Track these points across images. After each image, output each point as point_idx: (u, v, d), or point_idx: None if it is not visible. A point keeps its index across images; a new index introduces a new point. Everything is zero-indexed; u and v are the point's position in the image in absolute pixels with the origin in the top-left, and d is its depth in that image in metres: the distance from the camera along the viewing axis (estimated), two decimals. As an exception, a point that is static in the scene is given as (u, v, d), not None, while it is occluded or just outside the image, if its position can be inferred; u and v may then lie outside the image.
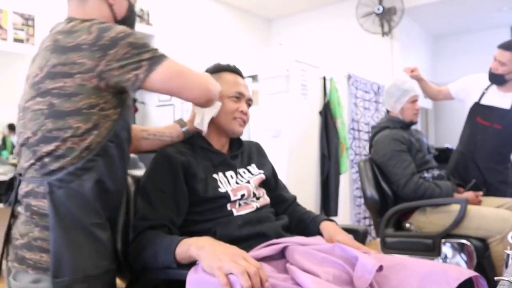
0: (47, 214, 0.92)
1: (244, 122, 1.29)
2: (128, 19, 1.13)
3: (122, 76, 0.93)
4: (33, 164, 0.96)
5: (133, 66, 0.93)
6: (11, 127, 3.24)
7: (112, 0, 1.07)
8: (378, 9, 4.30)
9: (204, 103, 1.05)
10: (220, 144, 1.28)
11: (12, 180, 1.03)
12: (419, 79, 2.56)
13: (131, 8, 1.13)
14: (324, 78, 3.35)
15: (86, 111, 0.93)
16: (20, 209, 0.98)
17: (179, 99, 1.22)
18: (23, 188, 0.97)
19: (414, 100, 2.27)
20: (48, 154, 0.94)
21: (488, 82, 2.43)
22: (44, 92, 0.94)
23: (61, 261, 0.90)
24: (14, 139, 3.25)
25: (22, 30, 3.22)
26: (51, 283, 0.90)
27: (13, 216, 0.99)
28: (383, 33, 4.40)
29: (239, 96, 1.26)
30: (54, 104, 0.93)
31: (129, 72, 0.93)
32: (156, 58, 0.96)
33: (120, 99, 1.00)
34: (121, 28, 0.95)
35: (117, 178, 1.02)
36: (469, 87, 2.53)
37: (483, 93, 2.44)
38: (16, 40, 3.19)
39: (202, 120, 1.22)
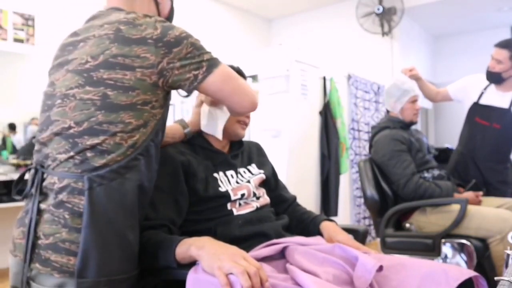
0: (81, 213, 0.87)
1: (246, 125, 1.30)
2: (169, 19, 1.15)
3: (181, 75, 0.94)
4: (71, 157, 0.90)
5: (194, 66, 0.94)
6: (12, 127, 3.24)
7: None
8: (378, 9, 4.30)
9: (248, 111, 1.06)
10: (221, 145, 1.28)
11: (24, 172, 0.99)
12: (417, 79, 2.56)
13: (172, 8, 1.16)
14: (324, 78, 3.35)
15: (140, 107, 0.91)
16: (44, 206, 0.92)
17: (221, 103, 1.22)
18: (57, 183, 0.90)
19: (414, 100, 2.27)
20: (92, 147, 0.89)
21: (487, 82, 2.43)
22: (97, 82, 0.90)
23: (88, 262, 0.86)
24: (14, 139, 3.25)
25: (22, 30, 3.22)
26: (75, 282, 0.86)
27: (38, 213, 0.93)
28: (383, 33, 4.40)
29: None
30: (108, 96, 0.89)
31: (189, 72, 0.94)
32: (214, 61, 0.97)
33: (166, 100, 1.00)
34: (181, 28, 0.96)
35: (152, 179, 1.00)
36: (468, 87, 2.53)
37: (482, 93, 2.44)
38: (16, 40, 3.19)
39: (215, 125, 1.22)
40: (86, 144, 0.89)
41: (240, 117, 1.26)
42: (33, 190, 0.93)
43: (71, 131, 0.90)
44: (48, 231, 0.89)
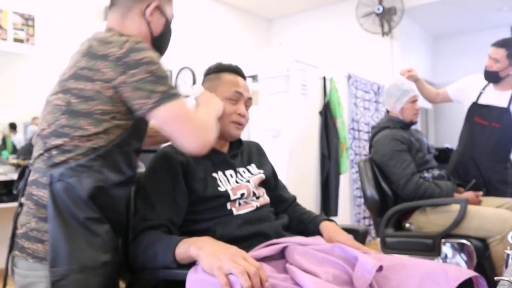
0: (45, 205, 0.96)
1: (242, 125, 1.27)
2: (164, 35, 1.15)
3: (131, 98, 0.97)
4: (41, 154, 1.00)
5: (145, 93, 0.95)
6: (12, 126, 3.24)
7: (150, 17, 1.10)
8: (378, 9, 4.30)
9: (194, 153, 1.03)
10: (219, 144, 1.27)
11: (24, 169, 1.07)
12: (415, 80, 2.56)
13: (167, 24, 1.16)
14: (324, 78, 3.35)
15: (99, 116, 0.97)
16: (23, 199, 1.02)
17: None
18: (30, 177, 1.02)
19: (414, 100, 2.27)
20: (56, 147, 0.98)
21: (485, 82, 2.44)
22: (66, 90, 0.99)
23: (58, 251, 0.93)
24: (14, 138, 3.25)
25: (22, 30, 3.22)
26: (49, 272, 0.93)
27: (20, 206, 1.04)
28: (383, 33, 4.40)
29: (237, 97, 1.25)
30: (71, 103, 0.98)
31: (139, 98, 0.96)
32: (169, 95, 0.96)
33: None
34: (150, 54, 0.97)
35: (119, 182, 1.03)
36: (467, 88, 2.54)
37: (481, 93, 2.44)
38: (16, 40, 3.19)
39: None
40: (51, 144, 0.99)
41: (233, 117, 1.24)
42: (21, 185, 1.05)
43: (44, 132, 1.01)
44: (23, 222, 1.00)
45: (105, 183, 0.99)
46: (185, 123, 0.98)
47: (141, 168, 1.44)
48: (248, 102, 1.29)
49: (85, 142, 0.97)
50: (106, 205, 1.00)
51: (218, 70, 1.29)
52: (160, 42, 1.14)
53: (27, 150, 3.21)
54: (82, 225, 0.96)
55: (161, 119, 0.98)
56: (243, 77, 1.32)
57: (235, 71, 1.30)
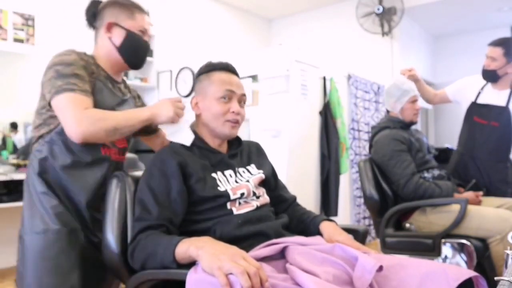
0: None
1: (238, 123, 1.25)
2: (125, 45, 1.34)
3: (45, 91, 1.21)
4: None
5: (48, 88, 1.20)
6: (13, 126, 3.24)
7: (109, 34, 1.34)
8: (378, 9, 4.30)
9: (76, 142, 1.18)
10: (216, 144, 1.27)
11: None
12: (415, 80, 2.55)
13: (129, 36, 1.34)
14: (324, 78, 3.35)
15: (40, 110, 1.26)
16: None
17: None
18: None
19: (414, 100, 2.27)
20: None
21: (484, 82, 2.44)
22: None
23: (24, 217, 1.24)
24: (15, 138, 3.25)
25: (22, 30, 3.22)
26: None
27: None
28: (383, 33, 4.40)
29: (229, 95, 1.22)
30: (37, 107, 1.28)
31: (47, 92, 1.20)
32: (60, 89, 1.17)
33: None
34: (65, 58, 1.22)
35: (62, 167, 1.23)
36: (465, 88, 2.54)
37: (479, 93, 2.45)
38: (16, 40, 3.19)
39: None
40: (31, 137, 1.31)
41: (227, 116, 1.22)
42: None
43: None
44: None
45: (48, 165, 1.22)
46: (65, 113, 1.16)
47: (141, 169, 1.44)
48: (242, 99, 1.27)
49: (35, 132, 1.27)
50: (53, 185, 1.23)
51: (208, 69, 1.27)
52: (125, 50, 1.34)
53: (27, 150, 3.21)
54: (37, 198, 1.22)
55: (54, 108, 1.19)
56: (235, 73, 1.29)
57: (226, 68, 1.27)
